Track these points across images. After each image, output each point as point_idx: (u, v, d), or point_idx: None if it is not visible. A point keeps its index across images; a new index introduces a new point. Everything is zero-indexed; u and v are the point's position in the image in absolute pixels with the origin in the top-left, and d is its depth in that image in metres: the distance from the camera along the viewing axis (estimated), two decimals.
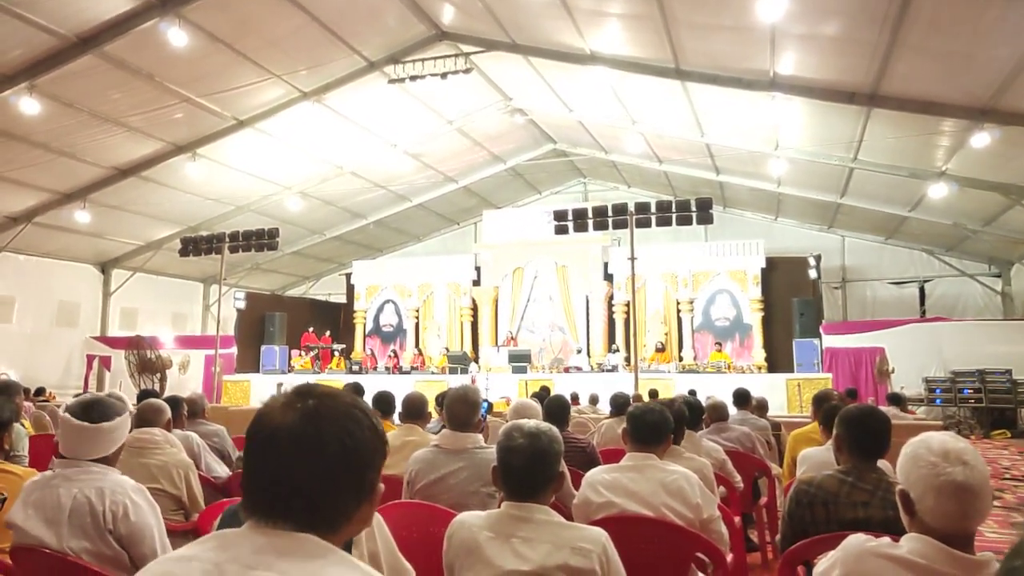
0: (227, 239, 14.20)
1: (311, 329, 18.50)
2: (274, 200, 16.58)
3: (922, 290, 16.86)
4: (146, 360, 15.89)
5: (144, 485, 2.58)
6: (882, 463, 2.55)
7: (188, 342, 17.51)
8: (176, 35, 9.88)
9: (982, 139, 10.23)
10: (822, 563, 1.85)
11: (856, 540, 1.77)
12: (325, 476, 1.04)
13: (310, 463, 1.03)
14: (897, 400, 10.00)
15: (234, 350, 16.95)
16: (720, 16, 9.59)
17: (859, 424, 2.49)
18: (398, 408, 4.25)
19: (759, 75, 10.73)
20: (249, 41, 10.96)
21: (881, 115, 10.82)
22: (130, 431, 3.54)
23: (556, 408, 4.23)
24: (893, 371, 13.20)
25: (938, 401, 12.86)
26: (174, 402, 4.24)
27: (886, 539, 1.73)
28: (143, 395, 5.60)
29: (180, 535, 3.09)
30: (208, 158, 14.05)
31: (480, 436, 3.01)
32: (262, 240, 14.19)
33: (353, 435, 1.07)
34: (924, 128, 10.84)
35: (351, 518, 1.07)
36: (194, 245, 14.59)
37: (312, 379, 14.89)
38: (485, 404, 3.99)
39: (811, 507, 2.39)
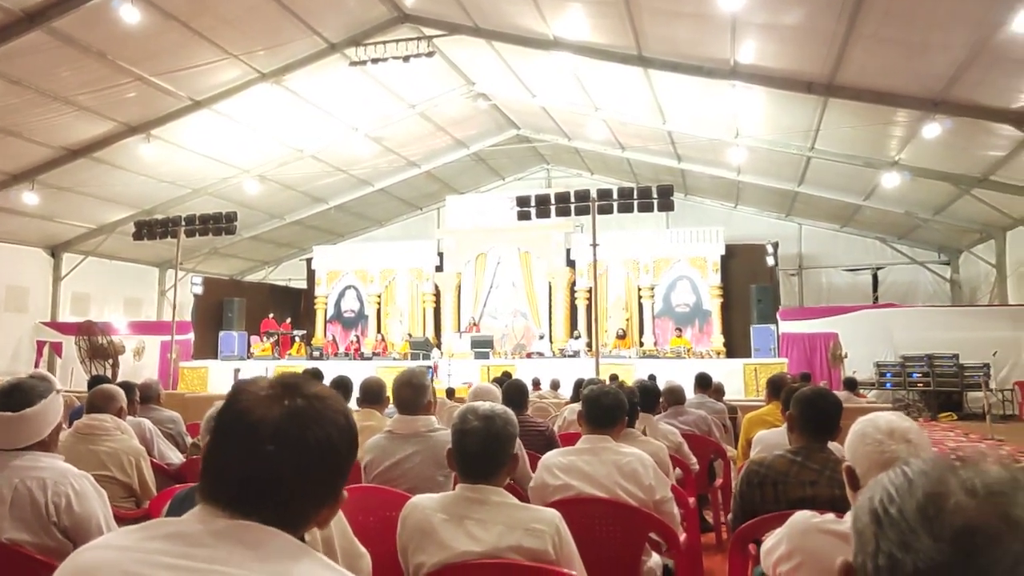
0: (183, 223, 13.88)
1: (271, 315, 18.27)
2: (232, 183, 16.25)
3: (875, 277, 17.31)
4: (97, 346, 15.49)
5: (93, 472, 2.52)
6: (832, 445, 2.61)
7: (143, 328, 17.13)
8: (128, 11, 9.58)
9: (933, 130, 10.51)
10: (769, 540, 1.89)
11: (802, 517, 1.81)
12: (303, 478, 1.01)
13: (291, 463, 1.00)
14: (851, 384, 10.29)
15: (191, 336, 16.64)
16: (682, 3, 9.64)
17: (811, 405, 2.55)
18: (355, 394, 4.22)
19: (720, 63, 10.83)
20: (205, 19, 10.67)
21: (837, 105, 11.02)
22: (80, 417, 3.48)
23: (514, 392, 4.25)
24: (846, 356, 13.53)
25: (888, 385, 13.23)
26: (126, 388, 4.14)
27: (830, 515, 1.77)
28: (94, 381, 5.47)
29: (130, 522, 3.03)
30: (163, 139, 13.70)
31: (432, 418, 3.01)
32: (219, 224, 13.89)
33: (334, 441, 1.04)
34: (878, 118, 11.08)
35: (313, 520, 1.05)
36: (148, 229, 14.22)
37: (272, 365, 14.74)
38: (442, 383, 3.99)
39: (761, 487, 2.44)
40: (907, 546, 0.62)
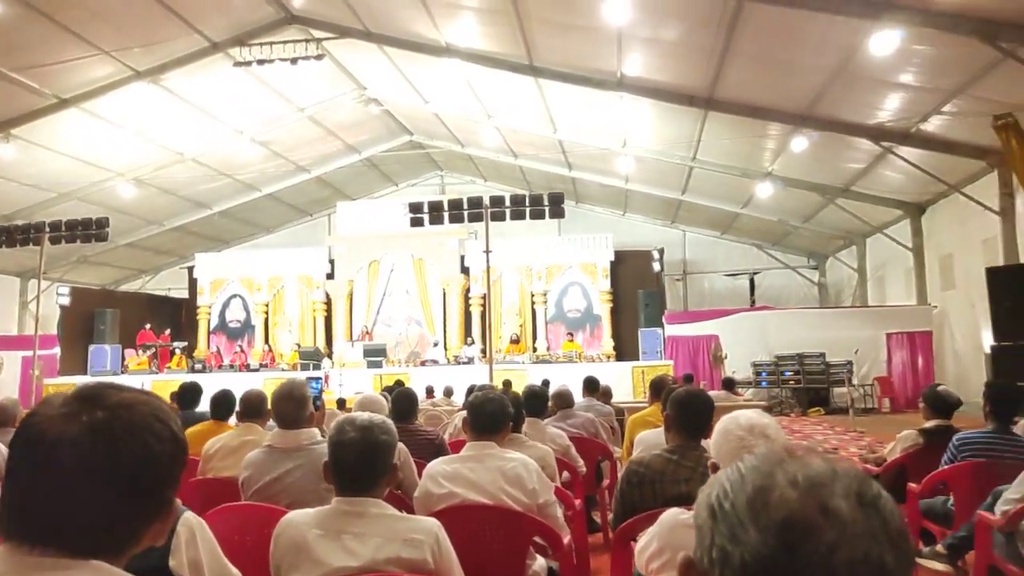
0: (47, 229, 12.88)
1: (148, 326, 17.28)
2: (105, 187, 15.25)
3: (752, 281, 18.29)
4: None
5: None
6: (706, 442, 2.72)
7: (1, 343, 15.78)
8: None
9: (801, 143, 11.26)
10: (642, 538, 1.96)
11: (670, 514, 1.88)
12: (117, 499, 0.90)
13: (100, 486, 0.89)
14: (729, 384, 10.80)
15: (57, 351, 15.48)
16: (571, 15, 9.89)
17: (684, 405, 2.65)
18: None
19: (607, 75, 11.17)
20: (73, 12, 10.00)
21: (717, 118, 11.61)
22: None
23: (403, 401, 4.19)
24: (726, 357, 14.21)
25: (764, 383, 13.99)
26: None
27: None
28: None
29: None
30: (24, 139, 12.71)
31: (315, 431, 2.92)
32: (89, 230, 12.98)
33: (152, 449, 0.93)
34: (753, 131, 11.75)
35: (141, 539, 0.94)
36: (7, 235, 13.11)
37: (149, 380, 13.91)
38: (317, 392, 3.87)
39: (640, 486, 2.51)
40: (736, 539, 0.64)
